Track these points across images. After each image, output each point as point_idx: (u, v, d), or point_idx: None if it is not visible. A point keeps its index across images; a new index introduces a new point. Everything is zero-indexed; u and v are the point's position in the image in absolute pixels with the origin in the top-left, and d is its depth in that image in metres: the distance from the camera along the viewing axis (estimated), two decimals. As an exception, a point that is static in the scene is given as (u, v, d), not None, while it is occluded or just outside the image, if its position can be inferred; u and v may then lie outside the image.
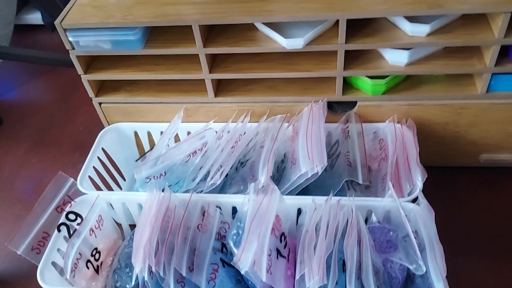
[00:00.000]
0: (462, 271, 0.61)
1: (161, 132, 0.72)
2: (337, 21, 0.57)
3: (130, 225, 0.68)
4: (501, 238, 0.64)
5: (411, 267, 0.50)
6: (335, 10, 0.56)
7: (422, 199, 0.53)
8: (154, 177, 0.62)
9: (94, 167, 0.67)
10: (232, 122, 0.68)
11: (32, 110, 0.97)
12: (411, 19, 0.58)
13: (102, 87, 0.71)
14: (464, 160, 0.71)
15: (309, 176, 0.57)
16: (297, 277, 0.49)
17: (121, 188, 0.74)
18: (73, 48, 0.64)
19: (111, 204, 0.64)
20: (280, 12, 0.58)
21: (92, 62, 0.69)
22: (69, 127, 0.91)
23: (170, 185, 0.64)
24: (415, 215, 0.54)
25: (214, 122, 0.69)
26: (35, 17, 1.18)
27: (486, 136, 0.66)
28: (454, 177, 0.72)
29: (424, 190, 0.55)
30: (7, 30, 1.00)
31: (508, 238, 0.64)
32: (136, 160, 0.77)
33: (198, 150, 0.65)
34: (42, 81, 1.04)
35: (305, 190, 0.61)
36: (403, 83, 0.65)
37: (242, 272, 0.49)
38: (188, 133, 0.71)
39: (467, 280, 0.60)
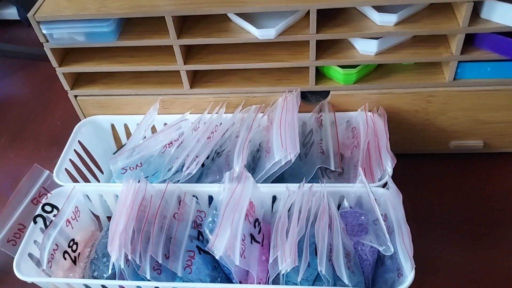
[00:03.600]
0: (430, 252, 0.63)
1: (138, 125, 0.72)
2: (308, 11, 0.58)
3: (107, 217, 0.68)
4: (469, 221, 0.66)
5: (380, 249, 0.52)
6: (305, 1, 0.58)
7: (391, 184, 0.55)
8: (130, 168, 0.63)
9: (70, 159, 0.68)
10: (208, 113, 0.69)
11: (8, 105, 0.96)
12: (380, 9, 0.59)
13: (78, 80, 0.72)
14: (434, 147, 0.73)
15: (283, 163, 0.58)
16: (270, 260, 0.50)
17: (99, 181, 0.75)
18: (47, 41, 0.64)
19: (88, 196, 0.64)
20: (252, 3, 0.59)
21: (67, 54, 0.69)
22: (47, 122, 0.91)
23: (147, 176, 0.65)
24: (385, 199, 0.56)
25: (190, 113, 0.70)
26: (10, 12, 1.17)
27: (455, 123, 0.69)
28: (425, 163, 0.74)
29: (395, 176, 0.57)
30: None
31: (476, 221, 0.66)
32: (114, 153, 0.77)
33: (174, 141, 0.65)
34: (18, 76, 1.03)
35: (280, 178, 0.63)
36: (373, 72, 0.66)
37: (217, 257, 0.51)
38: (165, 124, 0.72)
39: (435, 261, 0.62)
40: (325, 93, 0.68)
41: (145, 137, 0.69)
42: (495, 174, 0.71)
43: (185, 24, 0.64)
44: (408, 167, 0.72)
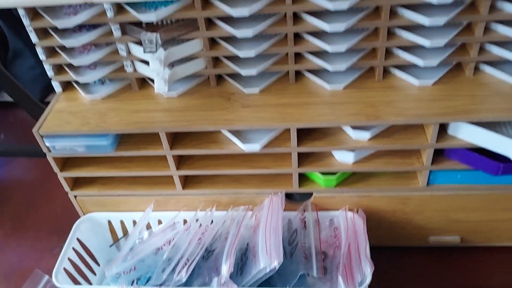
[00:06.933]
0: None
1: (134, 221, 0.77)
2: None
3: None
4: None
5: None
6: (286, 120, 0.63)
7: (369, 294, 0.59)
8: (124, 272, 0.66)
9: (69, 258, 0.71)
10: (200, 211, 0.73)
11: (11, 190, 1.01)
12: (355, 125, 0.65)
13: (77, 181, 0.76)
14: (414, 241, 0.77)
15: (268, 271, 0.62)
16: None
17: (95, 274, 0.78)
18: (50, 151, 0.69)
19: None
20: (239, 121, 0.64)
21: (68, 160, 0.74)
22: (47, 210, 0.95)
23: (140, 276, 0.69)
24: (364, 307, 0.59)
25: (182, 211, 0.74)
26: (16, 95, 1.23)
27: (432, 222, 0.73)
28: (404, 256, 0.77)
29: (376, 268, 0.61)
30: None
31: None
32: (110, 246, 0.81)
33: (167, 243, 0.69)
34: (20, 163, 1.08)
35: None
36: (352, 177, 0.71)
37: None
38: (159, 221, 0.76)
39: None
40: (309, 193, 0.73)
41: (141, 236, 0.73)
42: (473, 267, 0.75)
43: (177, 135, 0.70)
44: (388, 259, 0.76)
